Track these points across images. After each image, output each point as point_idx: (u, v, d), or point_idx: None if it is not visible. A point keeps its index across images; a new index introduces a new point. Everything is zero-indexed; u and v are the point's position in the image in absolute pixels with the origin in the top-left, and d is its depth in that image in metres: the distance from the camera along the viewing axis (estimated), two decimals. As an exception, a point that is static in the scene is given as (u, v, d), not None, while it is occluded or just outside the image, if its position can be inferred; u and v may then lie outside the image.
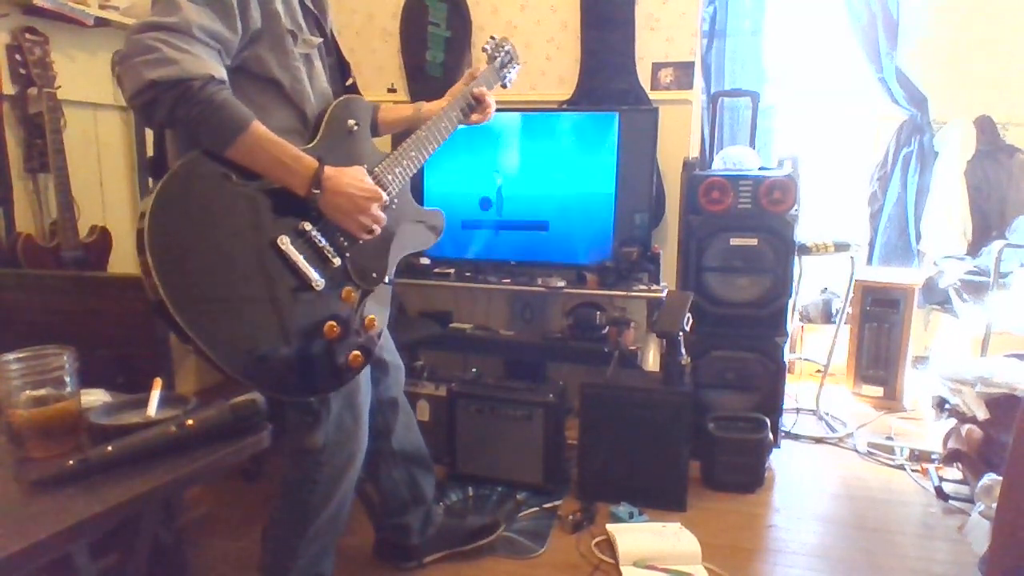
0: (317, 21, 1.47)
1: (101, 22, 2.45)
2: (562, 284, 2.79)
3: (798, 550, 2.08)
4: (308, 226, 1.32)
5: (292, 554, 1.60)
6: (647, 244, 2.81)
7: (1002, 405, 2.13)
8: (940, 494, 2.37)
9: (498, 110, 2.80)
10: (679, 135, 3.04)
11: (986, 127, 3.35)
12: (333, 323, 1.33)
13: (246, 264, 1.24)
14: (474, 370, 2.81)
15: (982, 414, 2.18)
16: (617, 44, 3.04)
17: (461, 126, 1.67)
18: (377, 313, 1.45)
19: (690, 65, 3.02)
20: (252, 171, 1.26)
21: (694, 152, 3.16)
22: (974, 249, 3.28)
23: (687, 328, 2.33)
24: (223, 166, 1.24)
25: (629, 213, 2.81)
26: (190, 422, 1.04)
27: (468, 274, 2.94)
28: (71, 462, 0.94)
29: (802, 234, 2.73)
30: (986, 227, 3.33)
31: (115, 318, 1.67)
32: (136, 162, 2.75)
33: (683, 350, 2.32)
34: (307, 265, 1.30)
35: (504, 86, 1.80)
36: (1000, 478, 1.77)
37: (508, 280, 2.87)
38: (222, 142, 1.22)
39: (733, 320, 2.65)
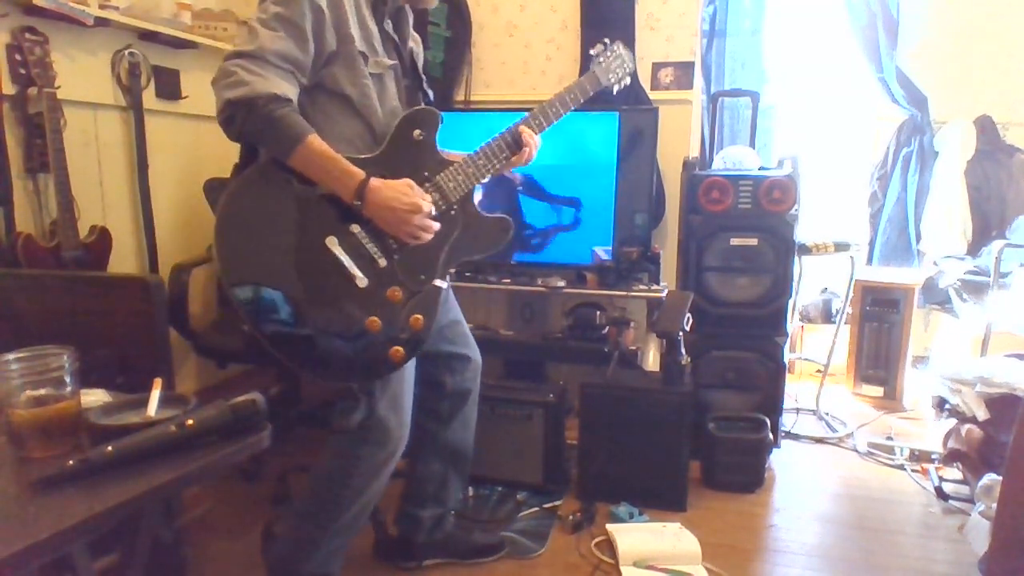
0: (397, 46, 1.60)
1: (101, 22, 2.45)
2: (562, 284, 2.79)
3: (798, 550, 2.08)
4: (357, 228, 1.46)
5: (313, 546, 1.64)
6: (647, 244, 2.81)
7: (1002, 405, 2.13)
8: (940, 494, 2.37)
9: (499, 110, 2.81)
10: (679, 135, 3.05)
11: (986, 127, 3.35)
12: (375, 319, 1.45)
13: (299, 256, 1.42)
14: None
15: (982, 414, 2.18)
16: (617, 44, 3.04)
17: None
18: (425, 313, 1.51)
19: (690, 65, 3.03)
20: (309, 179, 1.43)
21: (694, 152, 3.17)
22: (974, 249, 3.28)
23: (687, 328, 2.33)
24: (288, 172, 1.42)
25: (629, 213, 2.81)
26: (190, 422, 1.04)
27: (468, 274, 2.94)
28: (71, 462, 0.94)
29: (802, 234, 2.73)
30: (986, 227, 3.33)
31: (115, 318, 1.67)
32: (136, 162, 2.75)
33: (683, 350, 2.32)
34: (352, 264, 1.44)
35: (612, 92, 1.74)
36: (1000, 478, 1.77)
37: (508, 280, 2.87)
38: (282, 152, 1.39)
39: (733, 320, 2.65)
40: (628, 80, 1.75)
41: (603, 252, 2.79)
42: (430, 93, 1.70)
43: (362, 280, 1.45)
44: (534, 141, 1.63)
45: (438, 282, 1.54)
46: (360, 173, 1.42)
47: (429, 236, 1.50)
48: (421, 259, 1.52)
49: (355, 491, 1.63)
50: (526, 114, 1.64)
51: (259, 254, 1.39)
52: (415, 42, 1.69)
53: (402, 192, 1.45)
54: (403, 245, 1.49)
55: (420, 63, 1.70)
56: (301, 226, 1.43)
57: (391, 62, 1.56)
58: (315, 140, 1.39)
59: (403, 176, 1.48)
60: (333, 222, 1.44)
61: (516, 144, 1.60)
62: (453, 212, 1.55)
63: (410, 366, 1.63)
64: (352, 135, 1.50)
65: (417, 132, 1.52)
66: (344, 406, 1.59)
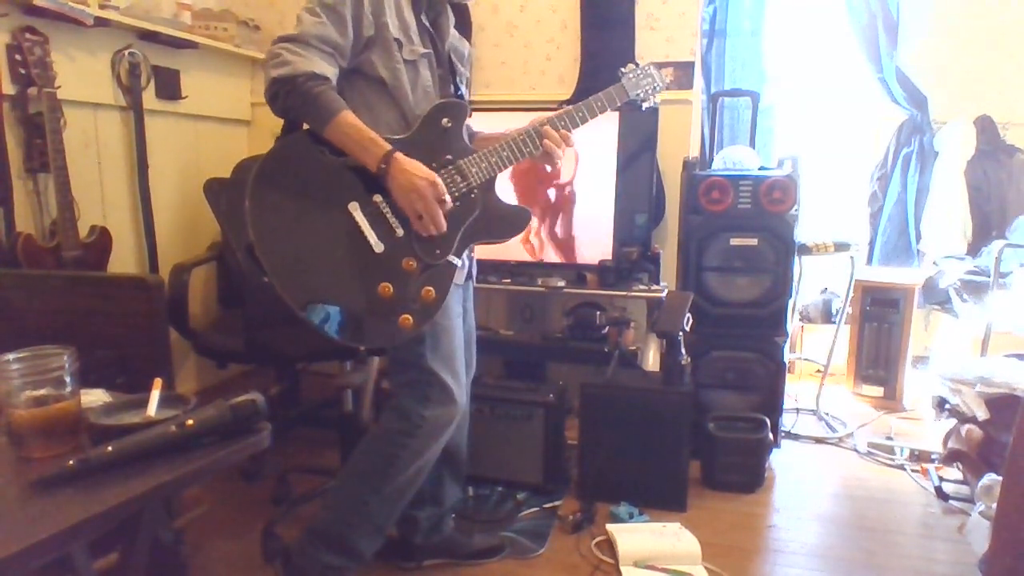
0: (431, 37, 1.71)
1: (101, 22, 2.45)
2: (562, 284, 2.79)
3: (798, 550, 2.08)
4: (379, 199, 1.55)
5: (363, 511, 1.71)
6: (647, 244, 2.81)
7: (1002, 405, 2.13)
8: (940, 494, 2.37)
9: (499, 110, 2.81)
10: (679, 135, 3.04)
11: (986, 127, 3.34)
12: (387, 285, 1.52)
13: (322, 221, 1.51)
14: (474, 370, 2.81)
15: (982, 414, 2.18)
16: (617, 44, 3.04)
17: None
18: (437, 287, 1.58)
19: (690, 65, 3.03)
20: (342, 150, 1.54)
21: (694, 152, 3.16)
22: (974, 249, 3.28)
23: (687, 328, 2.33)
24: (321, 144, 1.54)
25: (629, 213, 2.81)
26: (190, 422, 1.04)
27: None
28: (71, 462, 0.94)
29: (802, 234, 2.73)
30: (986, 227, 3.33)
31: (115, 318, 1.67)
32: (136, 162, 2.75)
33: (683, 350, 2.32)
34: (370, 230, 1.53)
35: (640, 108, 1.88)
36: (1000, 478, 1.77)
37: (508, 280, 2.87)
38: (319, 125, 1.51)
39: (733, 320, 2.65)
40: (657, 99, 1.81)
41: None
42: (463, 88, 1.79)
43: (378, 246, 1.52)
44: (560, 140, 1.69)
45: (452, 259, 1.61)
46: (387, 145, 1.53)
47: (432, 226, 1.54)
48: (439, 234, 1.59)
49: (411, 454, 1.69)
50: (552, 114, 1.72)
51: (286, 213, 1.49)
52: (459, 41, 1.81)
53: (421, 166, 1.55)
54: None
55: (464, 61, 1.82)
56: (327, 192, 1.53)
57: (425, 50, 1.66)
58: (348, 114, 1.51)
59: (428, 156, 1.58)
60: (358, 190, 1.54)
61: (539, 138, 1.67)
62: (474, 195, 1.64)
63: (459, 331, 1.74)
64: (387, 118, 1.61)
65: (445, 120, 1.63)
66: (343, 365, 1.65)
